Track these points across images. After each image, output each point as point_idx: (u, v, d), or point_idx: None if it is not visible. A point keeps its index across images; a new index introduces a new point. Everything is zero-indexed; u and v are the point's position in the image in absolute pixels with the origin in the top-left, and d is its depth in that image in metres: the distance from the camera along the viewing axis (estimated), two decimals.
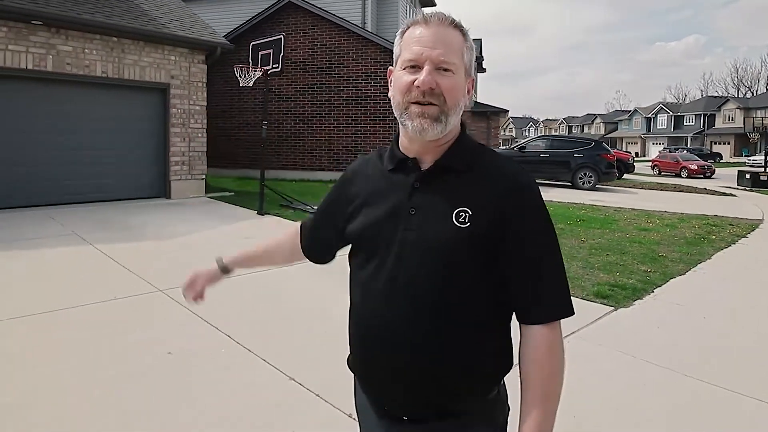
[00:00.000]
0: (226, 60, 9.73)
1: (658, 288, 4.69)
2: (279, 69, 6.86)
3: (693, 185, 17.08)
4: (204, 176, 9.00)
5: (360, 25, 12.14)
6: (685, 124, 49.51)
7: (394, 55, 1.01)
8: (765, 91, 53.35)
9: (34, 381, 2.55)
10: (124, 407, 2.35)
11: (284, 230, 1.28)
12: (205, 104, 8.88)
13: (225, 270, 1.28)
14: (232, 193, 9.45)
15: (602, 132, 58.71)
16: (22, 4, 6.67)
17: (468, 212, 0.93)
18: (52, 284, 4.07)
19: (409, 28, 0.99)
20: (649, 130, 53.03)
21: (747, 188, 16.43)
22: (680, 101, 63.34)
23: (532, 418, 0.91)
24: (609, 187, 14.26)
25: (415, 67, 0.94)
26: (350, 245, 1.07)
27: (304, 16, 11.97)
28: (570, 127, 69.90)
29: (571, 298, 0.97)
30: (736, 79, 63.36)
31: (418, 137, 0.96)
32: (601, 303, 4.14)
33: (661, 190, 14.93)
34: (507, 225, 0.93)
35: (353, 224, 1.05)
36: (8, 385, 2.50)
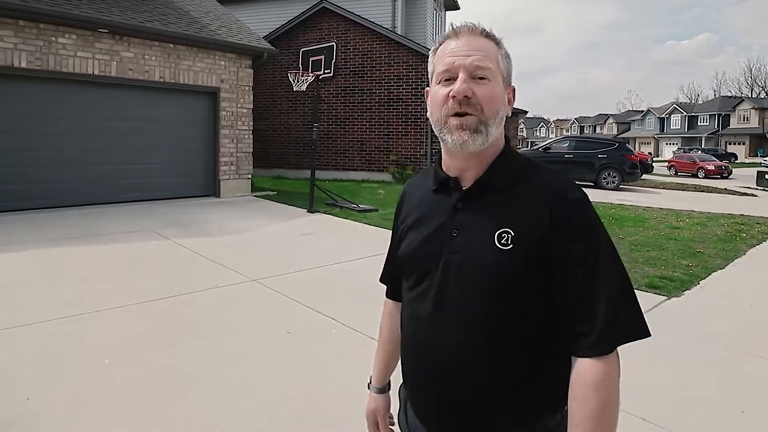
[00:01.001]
0: (260, 64, 10.14)
1: (702, 280, 5.01)
2: (331, 74, 7.25)
3: (713, 185, 17.24)
4: (250, 176, 9.43)
5: (390, 29, 12.51)
6: (699, 124, 49.36)
7: (429, 74, 1.00)
8: None
9: (194, 354, 2.96)
10: (282, 373, 2.74)
11: (382, 312, 1.24)
12: (252, 107, 9.32)
13: (384, 390, 1.21)
14: (275, 192, 9.86)
15: (615, 132, 58.59)
16: (90, 13, 7.12)
17: (510, 233, 0.89)
18: (158, 273, 4.50)
19: (442, 44, 0.97)
20: (663, 131, 52.90)
21: (767, 188, 16.58)
22: (693, 101, 63.01)
23: None
24: (632, 187, 14.51)
25: (449, 79, 0.92)
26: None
27: (337, 21, 12.37)
28: (582, 128, 69.77)
29: (639, 322, 0.87)
30: (749, 78, 62.93)
31: (459, 151, 0.93)
32: (654, 293, 4.49)
33: (683, 190, 15.15)
34: (554, 246, 0.88)
35: (402, 247, 1.04)
36: (180, 354, 2.91)
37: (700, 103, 57.89)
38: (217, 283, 4.21)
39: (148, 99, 8.11)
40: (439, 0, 15.37)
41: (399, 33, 12.61)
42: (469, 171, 0.96)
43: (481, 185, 0.94)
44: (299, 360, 2.92)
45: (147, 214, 7.15)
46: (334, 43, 7.34)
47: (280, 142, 13.35)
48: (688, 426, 2.42)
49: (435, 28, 14.80)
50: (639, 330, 0.86)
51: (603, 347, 0.84)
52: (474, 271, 0.90)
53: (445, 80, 0.93)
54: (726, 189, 15.72)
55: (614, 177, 13.56)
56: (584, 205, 0.91)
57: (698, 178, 22.70)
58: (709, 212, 9.85)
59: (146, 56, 7.89)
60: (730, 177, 22.93)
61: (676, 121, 51.46)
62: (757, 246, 6.81)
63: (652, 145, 53.13)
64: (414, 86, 11.73)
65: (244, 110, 9.23)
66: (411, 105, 11.83)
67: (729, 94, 54.55)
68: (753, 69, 74.29)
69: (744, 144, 44.25)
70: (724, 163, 24.73)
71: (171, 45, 8.14)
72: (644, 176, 19.37)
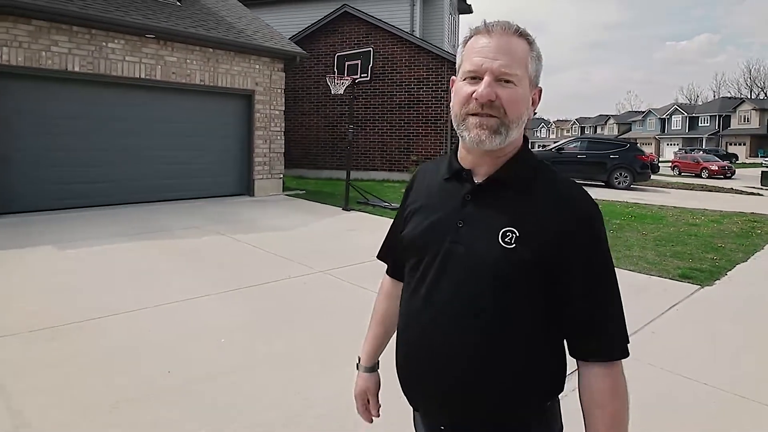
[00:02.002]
0: (292, 67, 10.48)
1: (729, 272, 5.39)
2: (368, 78, 7.60)
3: (719, 185, 17.62)
4: (282, 176, 9.78)
5: (409, 32, 12.87)
6: (700, 125, 49.87)
7: (456, 65, 0.99)
8: None
9: (296, 334, 3.31)
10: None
11: (378, 290, 1.27)
12: (283, 109, 9.67)
13: (374, 368, 1.24)
14: (303, 192, 10.21)
15: (615, 133, 59.05)
16: (140, 19, 7.46)
17: (515, 233, 0.90)
18: (231, 265, 4.85)
19: (472, 37, 0.95)
20: (664, 131, 53.39)
21: None
22: (692, 102, 63.54)
23: None
24: (642, 186, 14.89)
25: (475, 78, 0.92)
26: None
27: (358, 25, 12.73)
28: (582, 128, 70.21)
29: (627, 336, 0.93)
30: (749, 79, 63.49)
31: (475, 148, 0.94)
32: (688, 282, 4.86)
33: (690, 189, 15.53)
34: (564, 254, 0.89)
35: (406, 230, 1.05)
36: (273, 338, 3.27)
37: (700, 104, 58.42)
38: (290, 274, 4.56)
39: (189, 101, 8.45)
40: (454, 4, 15.74)
41: (417, 36, 12.98)
42: (482, 166, 0.97)
43: (493, 182, 0.95)
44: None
45: (193, 211, 7.50)
46: (371, 49, 7.67)
47: (300, 143, 13.69)
48: (748, 389, 2.78)
49: (450, 32, 15.17)
50: (627, 346, 0.92)
51: (613, 354, 0.90)
52: (474, 264, 0.91)
53: (471, 78, 0.92)
54: (732, 189, 16.11)
55: (626, 177, 13.94)
56: (598, 217, 0.93)
57: (701, 178, 23.05)
58: (721, 210, 10.23)
59: (188, 60, 8.24)
60: (733, 177, 23.30)
61: (677, 122, 51.97)
62: None
63: (653, 145, 53.58)
64: (434, 89, 12.09)
65: (277, 112, 9.58)
66: (431, 107, 12.20)
67: (728, 95, 55.10)
68: (752, 70, 74.84)
69: (745, 144, 44.78)
70: (726, 163, 25.09)
71: (210, 49, 8.48)
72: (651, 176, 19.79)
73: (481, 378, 0.92)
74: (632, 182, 14.00)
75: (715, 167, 23.78)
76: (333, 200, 9.04)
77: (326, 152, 13.58)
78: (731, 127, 46.82)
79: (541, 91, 1.00)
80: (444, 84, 11.93)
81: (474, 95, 0.90)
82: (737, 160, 39.18)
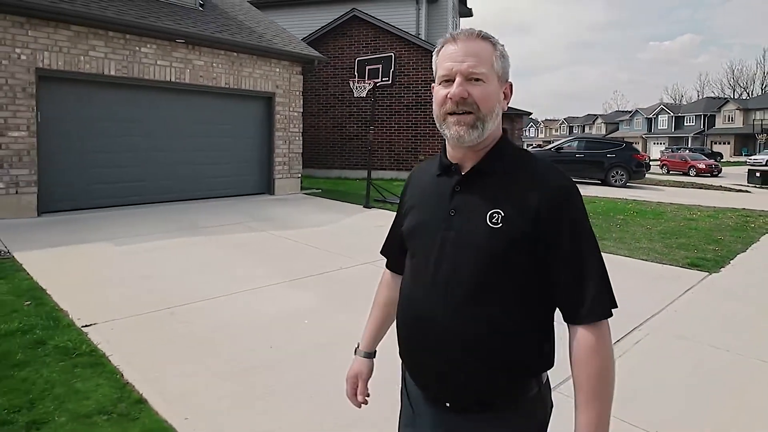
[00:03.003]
0: (310, 70, 10.84)
1: (731, 260, 5.92)
2: (390, 81, 8.02)
3: (709, 183, 18.34)
4: (300, 175, 10.15)
5: (414, 35, 13.30)
6: (685, 124, 51.20)
7: (433, 73, 1.10)
8: (761, 92, 55.12)
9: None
10: None
11: (379, 281, 1.38)
12: (302, 110, 10.03)
13: (371, 355, 1.32)
14: (319, 190, 10.59)
15: (603, 132, 60.21)
16: (171, 25, 7.78)
17: (501, 213, 0.98)
18: (284, 258, 5.23)
19: (442, 47, 1.07)
20: (650, 131, 54.66)
21: (757, 185, 17.71)
22: (677, 102, 65.01)
23: (582, 421, 0.93)
24: (637, 184, 15.53)
25: (449, 81, 1.03)
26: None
27: (366, 28, 13.13)
28: (571, 128, 71.38)
29: (613, 295, 1.00)
30: (731, 79, 65.18)
31: (457, 144, 1.04)
32: (697, 270, 5.37)
33: (682, 187, 16.21)
34: (547, 228, 0.97)
35: (405, 224, 1.16)
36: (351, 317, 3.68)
37: (685, 103, 59.87)
38: (341, 265, 4.96)
39: (215, 104, 8.78)
40: (456, 8, 16.21)
41: (423, 39, 13.41)
42: (468, 160, 1.06)
43: (477, 171, 1.05)
44: None
45: (224, 209, 7.84)
46: (392, 54, 8.09)
47: (309, 143, 14.01)
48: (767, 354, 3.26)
49: None
50: (614, 302, 1.00)
51: (595, 315, 0.96)
52: (467, 246, 1.00)
53: (445, 81, 1.04)
54: (721, 186, 16.82)
55: (622, 175, 14.55)
56: (575, 192, 1.01)
57: (689, 176, 23.77)
58: (714, 207, 10.84)
59: (214, 64, 8.56)
60: (719, 175, 24.08)
61: (663, 122, 53.27)
62: (767, 234, 7.77)
63: (640, 144, 54.81)
64: None
65: (295, 113, 9.95)
66: None
67: (712, 95, 56.58)
68: (735, 70, 76.63)
69: (729, 144, 46.11)
70: (713, 162, 25.91)
71: (235, 54, 8.82)
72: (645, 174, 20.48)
73: (478, 352, 0.99)
74: (628, 180, 14.62)
75: (702, 165, 24.51)
76: (351, 198, 9.44)
77: (334, 152, 13.95)
78: (716, 127, 48.15)
79: (511, 85, 1.10)
80: None
81: (448, 95, 1.02)
82: (722, 158, 40.29)
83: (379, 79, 8.08)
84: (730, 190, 15.69)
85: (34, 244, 5.18)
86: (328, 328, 3.41)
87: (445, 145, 1.12)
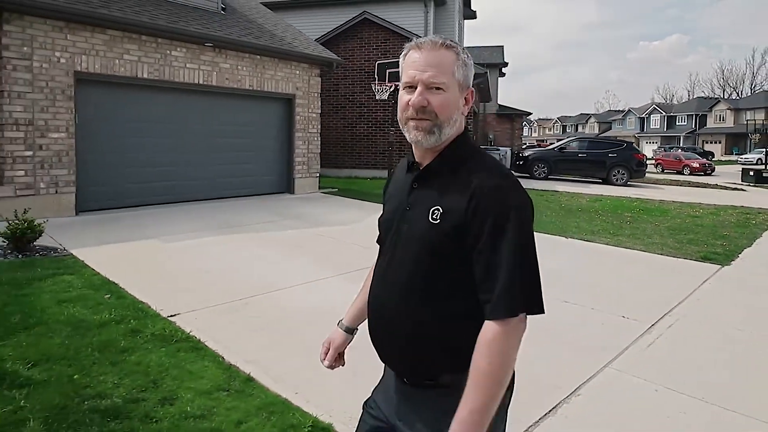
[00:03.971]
0: (328, 72, 11.11)
1: (740, 254, 6.32)
2: None
3: (705, 182, 18.88)
4: (318, 174, 10.43)
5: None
6: (677, 123, 52.11)
7: (400, 76, 1.16)
8: (750, 92, 56.22)
9: None
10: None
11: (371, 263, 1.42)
12: (320, 111, 10.31)
13: (350, 331, 1.39)
14: (336, 189, 10.88)
15: (596, 131, 61.00)
16: (200, 29, 8.03)
17: (439, 210, 1.06)
18: (329, 253, 5.53)
19: (407, 53, 1.13)
20: (643, 130, 55.52)
21: (751, 184, 18.25)
22: (668, 101, 66.02)
23: (463, 405, 0.97)
24: (637, 183, 15.99)
25: (411, 87, 1.09)
26: None
27: (376, 30, 13.42)
28: (564, 127, 72.16)
29: (534, 297, 1.01)
30: (721, 79, 66.33)
31: (415, 146, 1.14)
32: (710, 263, 5.76)
33: (679, 186, 16.71)
34: (473, 224, 1.02)
35: (380, 217, 1.27)
36: None
37: (676, 103, 60.84)
38: None
39: (240, 105, 9.04)
40: (461, 10, 16.54)
41: None
42: (426, 159, 1.14)
43: (428, 170, 1.13)
44: None
45: (253, 207, 8.11)
46: None
47: (321, 143, 14.27)
48: None
49: (457, 36, 15.97)
50: (533, 304, 1.00)
51: (498, 313, 0.98)
52: (413, 239, 1.10)
53: (408, 87, 1.10)
54: (717, 185, 17.34)
55: (623, 174, 14.99)
56: (502, 188, 1.04)
57: (683, 174, 24.34)
58: (714, 204, 11.28)
59: (239, 67, 8.82)
60: (713, 174, 24.69)
61: (655, 121, 54.15)
62: None
63: (633, 144, 55.61)
64: None
65: (314, 115, 10.23)
66: None
67: (703, 95, 57.58)
68: (725, 71, 77.81)
69: (720, 143, 47.05)
70: (707, 161, 26.53)
71: (258, 56, 9.07)
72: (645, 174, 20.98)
73: (422, 338, 1.08)
74: (629, 179, 15.07)
75: (696, 164, 25.12)
76: (369, 197, 9.74)
77: (345, 152, 14.24)
78: (707, 126, 49.08)
79: (473, 92, 1.17)
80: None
81: (410, 102, 1.08)
82: (713, 157, 41.13)
83: (399, 82, 8.37)
84: (726, 188, 16.18)
85: (85, 242, 5.43)
86: None
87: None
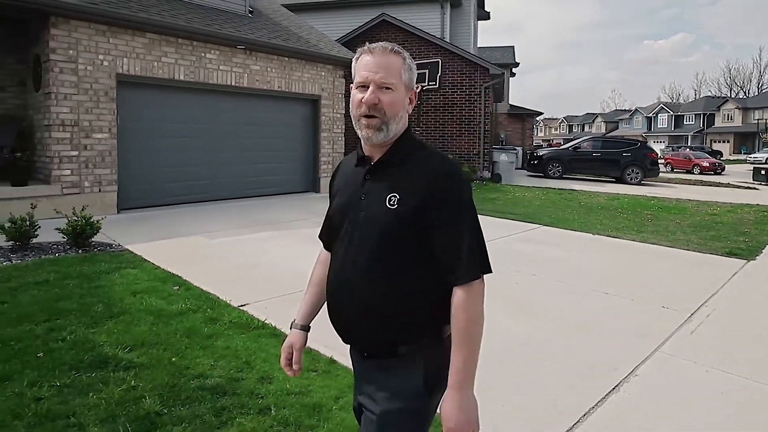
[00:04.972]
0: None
1: (763, 250, 6.50)
2: (436, 85, 8.53)
3: (717, 181, 18.99)
4: None
5: (439, 38, 13.80)
6: (685, 123, 52.09)
7: (352, 77, 1.26)
8: (757, 91, 56.08)
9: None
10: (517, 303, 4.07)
11: (315, 261, 1.54)
12: (344, 112, 10.54)
13: (305, 329, 1.49)
14: None
15: (603, 131, 61.00)
16: (233, 32, 8.27)
17: (397, 196, 1.19)
18: None
19: (360, 56, 1.24)
20: (650, 129, 55.51)
21: (763, 183, 18.36)
22: (675, 100, 65.91)
23: (453, 362, 1.15)
24: (651, 182, 16.14)
25: (364, 87, 1.21)
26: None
27: (395, 33, 13.61)
28: (570, 126, 72.16)
29: (487, 260, 1.21)
30: (728, 79, 66.19)
31: (366, 142, 1.26)
32: (736, 258, 5.96)
33: (692, 185, 16.83)
34: (427, 206, 1.17)
35: (331, 208, 1.36)
36: None
37: (682, 102, 60.76)
38: None
39: (269, 106, 9.28)
40: (475, 11, 16.74)
41: (447, 41, 13.92)
42: (375, 153, 1.26)
43: (380, 163, 1.25)
44: (525, 293, 4.26)
45: (282, 206, 8.35)
46: (439, 60, 8.61)
47: (345, 143, 14.53)
48: None
49: (472, 37, 16.18)
50: (487, 266, 1.21)
51: (467, 278, 1.16)
52: (371, 224, 1.21)
53: (361, 87, 1.22)
54: (729, 184, 17.47)
55: (637, 173, 15.16)
56: (450, 175, 1.21)
57: (693, 174, 24.39)
58: (730, 203, 11.45)
59: (268, 68, 9.06)
60: (722, 173, 24.73)
61: (663, 120, 54.14)
62: None
63: (646, 143, 55.55)
64: (467, 92, 13.06)
65: (338, 115, 10.46)
66: (465, 109, 13.18)
67: (709, 94, 57.49)
68: (732, 70, 77.54)
69: (728, 142, 47.01)
70: (717, 160, 26.57)
71: (286, 58, 9.31)
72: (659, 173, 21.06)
73: (382, 311, 1.21)
74: (643, 178, 15.23)
75: (706, 164, 25.13)
76: None
77: None
78: (715, 125, 49.03)
79: (415, 92, 1.30)
80: (476, 88, 12.92)
81: (362, 100, 1.20)
82: (722, 156, 41.11)
83: (426, 83, 8.59)
84: (739, 187, 16.30)
85: (135, 238, 5.67)
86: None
87: (361, 141, 1.31)
